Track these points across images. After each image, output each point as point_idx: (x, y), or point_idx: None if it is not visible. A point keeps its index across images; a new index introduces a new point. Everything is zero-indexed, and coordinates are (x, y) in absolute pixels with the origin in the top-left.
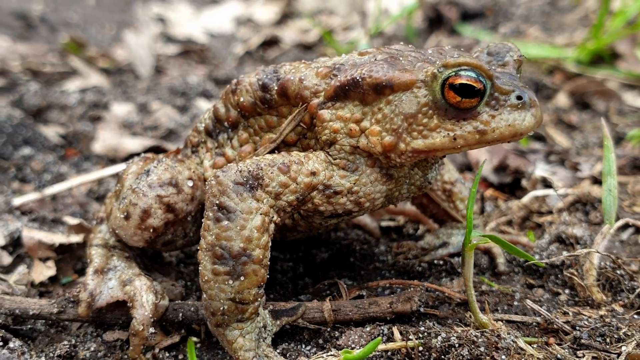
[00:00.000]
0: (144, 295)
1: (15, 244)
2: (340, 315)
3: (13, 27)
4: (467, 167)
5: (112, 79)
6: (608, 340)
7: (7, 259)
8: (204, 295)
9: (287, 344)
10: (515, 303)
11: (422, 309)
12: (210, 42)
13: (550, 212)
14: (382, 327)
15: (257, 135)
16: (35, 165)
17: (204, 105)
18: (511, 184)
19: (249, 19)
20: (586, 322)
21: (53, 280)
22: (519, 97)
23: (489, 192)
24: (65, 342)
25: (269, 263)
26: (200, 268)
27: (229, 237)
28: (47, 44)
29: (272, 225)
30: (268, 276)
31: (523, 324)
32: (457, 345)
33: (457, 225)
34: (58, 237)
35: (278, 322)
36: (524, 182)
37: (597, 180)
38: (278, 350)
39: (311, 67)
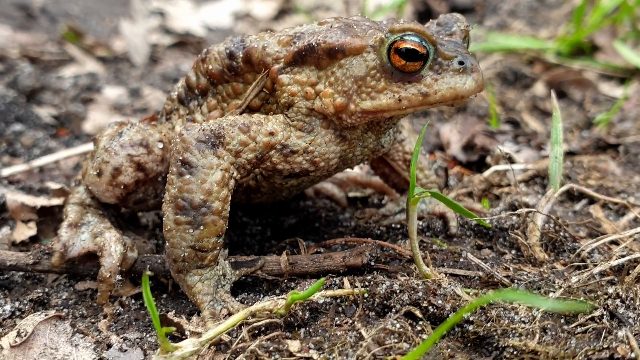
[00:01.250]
0: (113, 245)
1: (0, 209)
2: (297, 268)
3: (14, 18)
4: (439, 147)
5: (108, 66)
6: (543, 291)
7: None
8: (167, 244)
9: (246, 293)
10: (462, 260)
11: (372, 263)
12: (207, 36)
13: (509, 185)
14: (334, 279)
15: (224, 102)
16: (25, 140)
17: None
18: (477, 161)
19: (248, 14)
20: (525, 277)
21: (34, 240)
22: (461, 62)
23: (456, 169)
24: (39, 290)
25: (227, 215)
26: (163, 219)
27: (191, 190)
28: (46, 33)
29: (232, 181)
30: (239, 239)
31: (466, 277)
32: (398, 292)
33: None
34: (40, 200)
35: (237, 272)
36: (488, 159)
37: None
38: (237, 299)
39: (274, 36)
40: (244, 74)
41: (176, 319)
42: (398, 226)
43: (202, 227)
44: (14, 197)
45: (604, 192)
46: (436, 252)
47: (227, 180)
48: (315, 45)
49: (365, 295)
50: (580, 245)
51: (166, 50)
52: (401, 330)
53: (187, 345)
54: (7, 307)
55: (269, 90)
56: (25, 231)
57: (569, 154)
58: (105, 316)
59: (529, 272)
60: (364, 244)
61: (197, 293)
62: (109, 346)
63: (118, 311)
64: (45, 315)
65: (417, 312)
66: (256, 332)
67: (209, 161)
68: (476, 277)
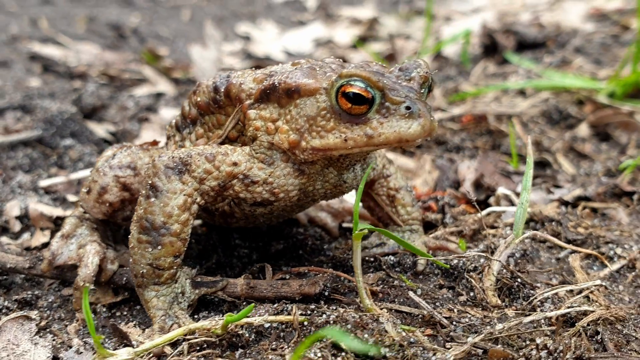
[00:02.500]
0: (90, 257)
1: (27, 215)
2: (256, 292)
3: (106, 37)
4: (457, 185)
5: (180, 87)
6: (460, 335)
7: (17, 227)
8: (130, 260)
9: (207, 312)
10: (413, 297)
11: (327, 293)
12: (286, 61)
13: (503, 227)
14: (287, 305)
15: (210, 131)
16: (72, 154)
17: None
18: (484, 201)
19: (330, 40)
20: (466, 320)
21: (46, 246)
22: (408, 108)
23: (462, 207)
24: (29, 292)
25: (187, 237)
26: (129, 236)
27: (154, 212)
28: (133, 53)
29: (195, 206)
30: (226, 260)
31: (409, 314)
32: (332, 322)
33: (396, 229)
34: (57, 211)
35: (197, 291)
36: (491, 199)
37: (565, 203)
38: (197, 316)
39: (253, 73)
40: (226, 107)
41: (125, 329)
42: (372, 259)
43: (160, 247)
44: (36, 207)
45: (591, 242)
46: (395, 287)
47: (189, 205)
48: (278, 85)
49: (305, 323)
50: (535, 293)
51: None
52: (320, 359)
53: (122, 353)
54: None
55: (242, 123)
56: (41, 238)
57: (583, 199)
58: (77, 320)
59: (472, 316)
60: (322, 274)
61: (151, 307)
62: (69, 347)
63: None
64: (16, 314)
65: (343, 345)
66: (197, 348)
67: (173, 186)
68: (420, 316)
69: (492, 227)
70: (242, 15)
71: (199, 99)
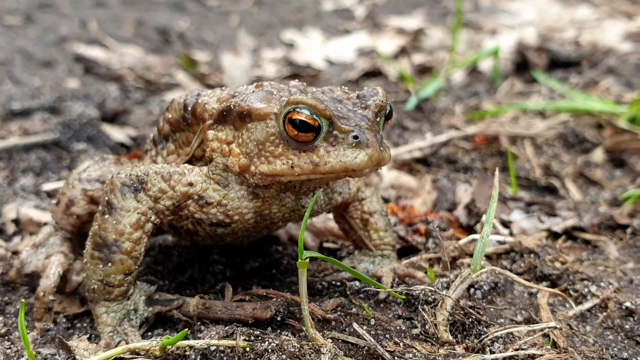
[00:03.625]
0: (53, 268)
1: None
2: (211, 313)
3: (152, 41)
4: (454, 207)
5: None
6: None
7: (11, 230)
8: (85, 275)
9: (162, 329)
10: (365, 327)
11: (279, 318)
12: (326, 70)
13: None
14: (239, 328)
15: (180, 148)
16: (84, 158)
17: None
18: (473, 226)
19: (373, 49)
20: (410, 355)
21: None
22: (356, 137)
23: (453, 231)
24: (0, 298)
25: (139, 256)
26: (84, 251)
27: (106, 229)
28: (175, 58)
29: (149, 224)
30: (200, 275)
31: (355, 345)
32: (270, 350)
33: (368, 253)
34: (46, 216)
35: (150, 309)
36: (478, 226)
37: (553, 234)
38: (151, 333)
39: (219, 93)
40: (193, 125)
41: (75, 342)
42: (338, 284)
43: (110, 264)
44: (27, 212)
45: (566, 278)
46: (352, 315)
47: (143, 223)
48: (233, 108)
49: (247, 349)
50: (487, 331)
51: (281, 81)
52: None
53: None
54: None
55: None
56: (29, 242)
57: (577, 229)
58: (36, 330)
59: (418, 351)
60: (276, 298)
61: (101, 323)
62: (21, 356)
63: (48, 327)
64: None
65: None
66: None
67: (127, 204)
68: (365, 347)
69: (470, 255)
70: (290, 23)
71: (170, 116)
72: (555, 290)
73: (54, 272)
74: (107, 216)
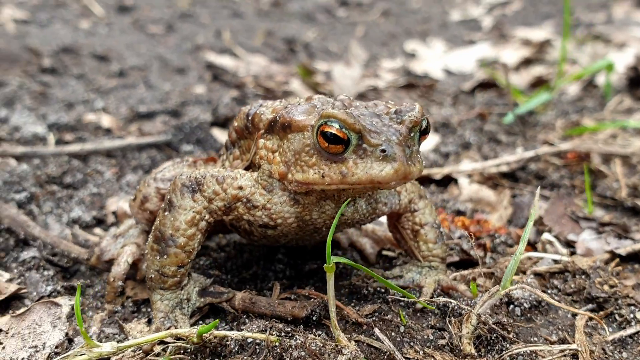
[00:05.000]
0: (125, 257)
1: None
2: (256, 308)
3: (279, 50)
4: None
5: None
6: None
7: (110, 220)
8: (146, 264)
9: (214, 319)
10: (393, 334)
11: (314, 318)
12: (444, 79)
13: (534, 274)
14: (276, 324)
15: (243, 154)
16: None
17: None
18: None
19: (495, 60)
20: None
21: None
22: (383, 151)
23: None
24: (82, 280)
25: (192, 250)
26: (147, 243)
27: (165, 224)
28: (295, 67)
29: (203, 223)
30: (263, 272)
31: (378, 350)
32: (294, 347)
33: (417, 263)
34: None
35: (202, 300)
36: (538, 243)
37: (618, 257)
38: (202, 322)
39: (275, 105)
40: (253, 134)
41: (126, 325)
42: (382, 290)
43: (165, 257)
44: (123, 205)
45: (613, 302)
46: (385, 321)
47: (197, 221)
48: (278, 119)
49: (277, 344)
50: (510, 347)
51: (388, 90)
52: None
53: (106, 346)
54: (49, 288)
55: None
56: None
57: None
58: (104, 311)
59: None
60: (315, 299)
61: (155, 309)
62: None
63: (116, 309)
64: (45, 300)
65: None
66: (181, 352)
67: (185, 203)
68: (387, 353)
69: (524, 272)
70: (414, 33)
71: (236, 124)
72: (587, 313)
73: (125, 261)
74: (167, 213)
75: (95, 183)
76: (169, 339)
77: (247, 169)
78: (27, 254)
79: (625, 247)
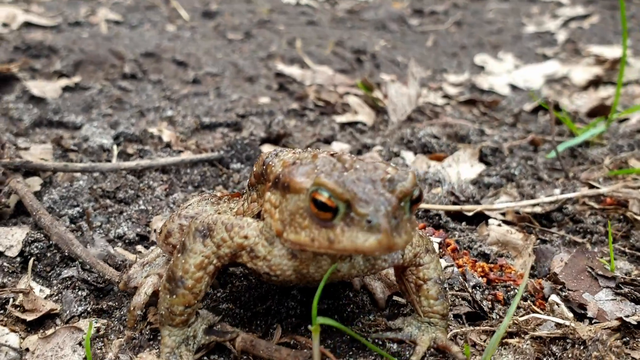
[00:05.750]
0: (146, 287)
1: None
2: (255, 350)
3: (346, 60)
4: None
5: (379, 118)
6: None
7: (154, 237)
8: (158, 301)
9: (218, 356)
10: None
11: None
12: (510, 95)
13: (532, 338)
14: None
15: (259, 198)
16: (236, 177)
17: (408, 157)
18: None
19: (565, 77)
20: None
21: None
22: (369, 222)
23: (529, 303)
24: (112, 302)
25: (199, 292)
26: (161, 280)
27: (177, 265)
28: (356, 80)
29: (212, 267)
30: (275, 308)
31: None
32: None
33: (418, 317)
34: None
35: (207, 338)
36: (548, 304)
37: (625, 325)
38: (207, 358)
39: (287, 157)
40: (266, 182)
41: (139, 355)
42: (380, 342)
43: (175, 296)
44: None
45: None
46: None
47: (206, 265)
48: (280, 177)
49: None
50: None
51: (456, 106)
52: None
53: None
54: (80, 309)
55: None
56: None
57: None
58: (124, 336)
59: None
60: (307, 350)
61: (163, 344)
62: (102, 358)
63: (134, 336)
64: (69, 325)
65: None
66: None
67: (196, 247)
68: None
69: (525, 333)
70: (485, 45)
71: (255, 169)
72: None
73: (145, 291)
74: (179, 254)
75: (145, 199)
76: None
77: (259, 214)
78: (67, 272)
79: (632, 316)
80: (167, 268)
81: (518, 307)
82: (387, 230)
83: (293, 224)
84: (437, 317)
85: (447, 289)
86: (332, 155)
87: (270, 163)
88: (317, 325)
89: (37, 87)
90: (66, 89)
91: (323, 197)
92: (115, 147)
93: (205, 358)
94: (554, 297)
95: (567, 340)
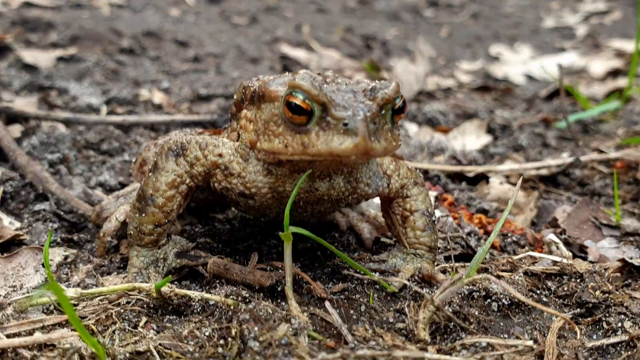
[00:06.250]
0: (117, 215)
1: None
2: (229, 274)
3: (355, 46)
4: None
5: None
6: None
7: None
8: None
9: (189, 282)
10: (352, 312)
11: (279, 288)
12: (525, 85)
13: (527, 274)
14: (242, 291)
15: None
16: None
17: (411, 128)
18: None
19: (583, 69)
20: (374, 343)
21: None
22: (345, 124)
23: (527, 248)
24: (84, 235)
25: (170, 211)
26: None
27: (147, 184)
28: (363, 62)
29: (184, 186)
30: (256, 246)
31: (329, 323)
32: (243, 310)
33: (403, 250)
34: None
35: (178, 261)
36: (545, 244)
37: (628, 266)
38: (179, 283)
39: (265, 78)
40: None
41: (103, 277)
42: (363, 273)
43: (144, 215)
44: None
45: (603, 309)
46: (351, 299)
47: (178, 184)
48: (257, 90)
49: (232, 307)
50: (462, 336)
51: (468, 92)
52: (203, 338)
53: (70, 291)
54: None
55: None
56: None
57: None
58: (92, 263)
59: (384, 341)
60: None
61: (130, 264)
62: (69, 283)
63: (103, 264)
64: (34, 245)
65: (233, 332)
66: (141, 304)
67: (167, 166)
68: (335, 326)
69: (526, 273)
70: (502, 37)
71: (235, 97)
72: (556, 312)
73: (117, 218)
74: (151, 174)
75: (130, 152)
76: (133, 293)
77: (238, 140)
78: (39, 207)
79: (638, 258)
80: (138, 189)
81: (514, 252)
82: (364, 133)
83: (267, 132)
84: (424, 248)
85: (436, 222)
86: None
87: (250, 85)
88: (289, 233)
89: (30, 55)
90: (61, 59)
91: (298, 99)
92: (104, 106)
93: (176, 283)
94: (552, 237)
95: (564, 277)
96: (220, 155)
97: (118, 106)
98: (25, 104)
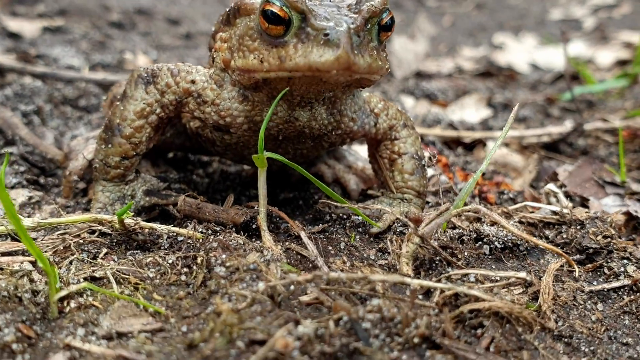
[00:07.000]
0: (85, 153)
1: None
2: (201, 213)
3: None
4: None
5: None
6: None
7: None
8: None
9: (160, 222)
10: (331, 249)
11: (254, 225)
12: (529, 73)
13: (523, 222)
14: (214, 227)
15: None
16: None
17: (407, 102)
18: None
19: (590, 60)
20: (350, 274)
21: None
22: (326, 35)
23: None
24: (52, 179)
25: (138, 143)
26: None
27: (114, 114)
28: None
29: (154, 117)
30: (238, 196)
31: (301, 255)
32: (212, 240)
33: (390, 195)
34: None
35: (147, 199)
36: (544, 194)
37: (633, 220)
38: (146, 219)
39: None
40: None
41: (64, 213)
42: (344, 216)
43: (110, 146)
44: None
45: (605, 254)
46: (332, 239)
47: (148, 113)
48: (232, 6)
49: (201, 240)
50: (448, 271)
51: (470, 78)
52: (166, 265)
53: (27, 221)
54: (14, 181)
55: None
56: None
57: None
58: (57, 203)
59: (362, 272)
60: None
61: (95, 199)
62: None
63: (68, 204)
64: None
65: (199, 260)
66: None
67: (137, 94)
68: (311, 259)
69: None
70: (507, 28)
71: (213, 29)
72: (555, 249)
73: (84, 156)
74: (119, 103)
75: None
76: (95, 225)
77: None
78: (8, 150)
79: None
80: (104, 120)
81: (513, 200)
82: (346, 46)
83: (241, 48)
84: (412, 193)
85: (425, 167)
86: None
87: (228, 10)
88: (263, 156)
89: (15, 24)
90: (47, 30)
91: (275, 6)
92: (87, 68)
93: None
94: (551, 186)
95: (563, 225)
96: (193, 82)
97: (101, 69)
98: (3, 59)
